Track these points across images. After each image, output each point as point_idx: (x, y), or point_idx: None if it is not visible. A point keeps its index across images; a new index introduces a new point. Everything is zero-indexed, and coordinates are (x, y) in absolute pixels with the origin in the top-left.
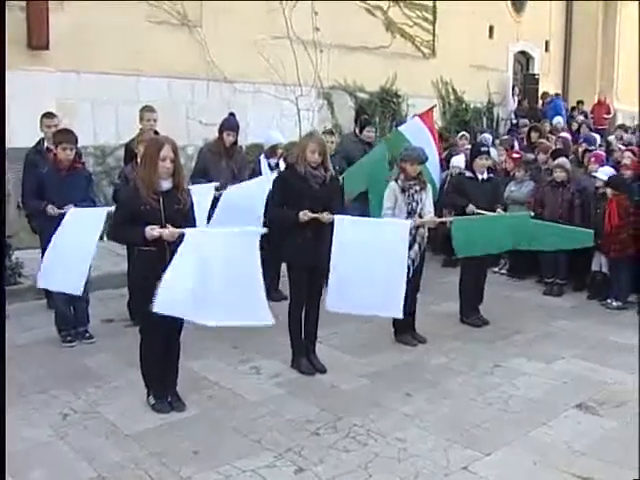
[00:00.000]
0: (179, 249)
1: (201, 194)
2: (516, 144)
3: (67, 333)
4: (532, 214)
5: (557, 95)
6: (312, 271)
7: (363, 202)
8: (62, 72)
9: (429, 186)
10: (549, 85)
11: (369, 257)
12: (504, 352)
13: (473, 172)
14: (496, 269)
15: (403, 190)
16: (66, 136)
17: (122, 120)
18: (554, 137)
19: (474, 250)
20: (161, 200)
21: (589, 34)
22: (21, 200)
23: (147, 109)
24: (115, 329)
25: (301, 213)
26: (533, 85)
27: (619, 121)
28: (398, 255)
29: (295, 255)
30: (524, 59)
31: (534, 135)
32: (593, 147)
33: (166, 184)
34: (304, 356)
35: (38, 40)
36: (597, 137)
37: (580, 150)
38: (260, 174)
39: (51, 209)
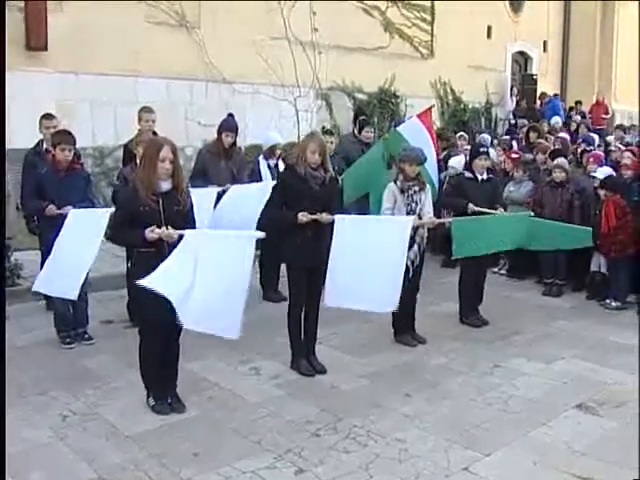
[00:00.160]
0: (177, 248)
1: (202, 195)
2: (515, 144)
3: (66, 334)
4: (532, 214)
5: (555, 95)
6: (311, 271)
7: (362, 202)
8: (60, 73)
9: (428, 187)
10: (547, 85)
11: (368, 253)
12: (504, 352)
13: (472, 173)
14: (495, 269)
15: (402, 191)
16: (64, 137)
17: (120, 121)
18: (552, 137)
19: (473, 250)
20: (160, 201)
21: (587, 34)
22: (20, 201)
23: (146, 110)
24: (114, 330)
25: (300, 215)
26: (531, 85)
27: (617, 121)
28: (398, 251)
29: (294, 255)
30: (522, 59)
31: (533, 135)
32: (592, 147)
33: (165, 185)
34: (304, 357)
35: (36, 41)
36: (595, 137)
37: (579, 150)
38: (259, 174)
39: (50, 210)
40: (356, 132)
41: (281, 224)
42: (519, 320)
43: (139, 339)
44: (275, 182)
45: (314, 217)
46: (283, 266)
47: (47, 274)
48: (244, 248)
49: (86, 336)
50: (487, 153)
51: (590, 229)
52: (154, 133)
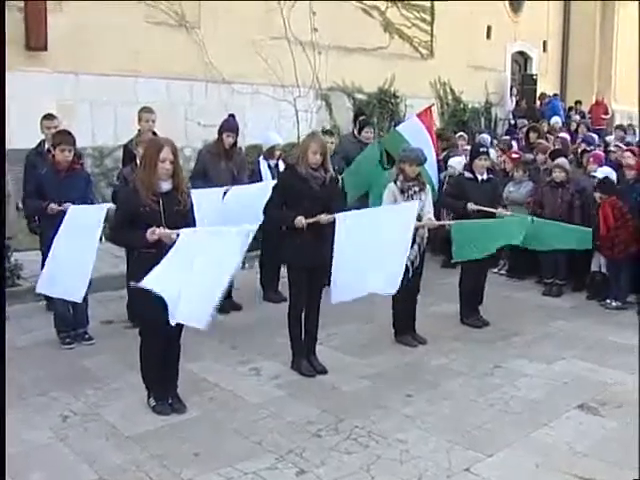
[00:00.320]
0: (173, 247)
1: (202, 195)
2: (515, 144)
3: (66, 335)
4: (534, 219)
5: (555, 95)
6: (312, 272)
7: (363, 202)
8: (60, 73)
9: (428, 187)
10: (547, 85)
11: (372, 242)
12: (504, 353)
13: (473, 173)
14: (495, 269)
15: (402, 191)
16: (65, 137)
17: (120, 121)
18: (552, 137)
19: (473, 254)
20: (161, 201)
21: (587, 34)
22: (21, 201)
23: (146, 110)
24: (115, 331)
25: (296, 220)
26: (531, 85)
27: (617, 121)
28: (402, 235)
29: (294, 256)
30: (522, 59)
31: (533, 135)
32: (592, 147)
33: (166, 185)
34: (304, 357)
35: (36, 41)
36: (595, 137)
37: (579, 150)
38: (259, 175)
39: (51, 208)
40: (356, 132)
41: (280, 224)
42: (519, 320)
43: (139, 339)
44: (275, 182)
45: (312, 220)
46: (283, 267)
47: (49, 274)
48: (238, 243)
49: (86, 336)
50: (487, 153)
51: (590, 230)
52: (154, 133)
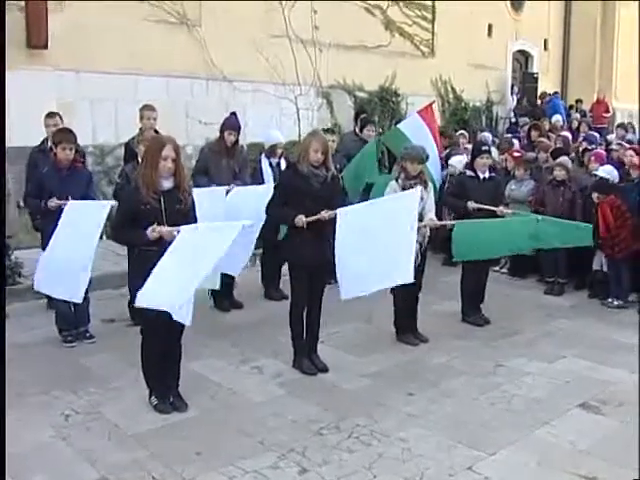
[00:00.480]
0: (170, 246)
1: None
2: (516, 143)
3: (68, 333)
4: (540, 218)
5: (555, 93)
6: (313, 270)
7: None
8: (61, 71)
9: (430, 185)
10: (548, 84)
11: (376, 233)
12: (506, 351)
13: (474, 171)
14: (497, 268)
15: (404, 189)
16: (65, 136)
17: (121, 119)
18: (554, 136)
19: (473, 254)
20: (162, 200)
21: (588, 32)
22: (22, 199)
23: (147, 108)
24: (116, 329)
25: (297, 219)
26: (532, 84)
27: (618, 120)
28: (406, 224)
29: (296, 254)
30: (523, 58)
31: (534, 134)
32: (594, 146)
33: (167, 184)
34: (306, 356)
35: (37, 39)
36: (597, 135)
37: (580, 149)
38: (261, 173)
39: (51, 202)
40: (357, 130)
41: (281, 222)
42: (521, 319)
43: (141, 338)
44: (277, 181)
45: (313, 218)
46: (285, 265)
47: (46, 271)
48: (226, 235)
49: (87, 335)
50: (489, 152)
51: (590, 226)
52: (156, 131)
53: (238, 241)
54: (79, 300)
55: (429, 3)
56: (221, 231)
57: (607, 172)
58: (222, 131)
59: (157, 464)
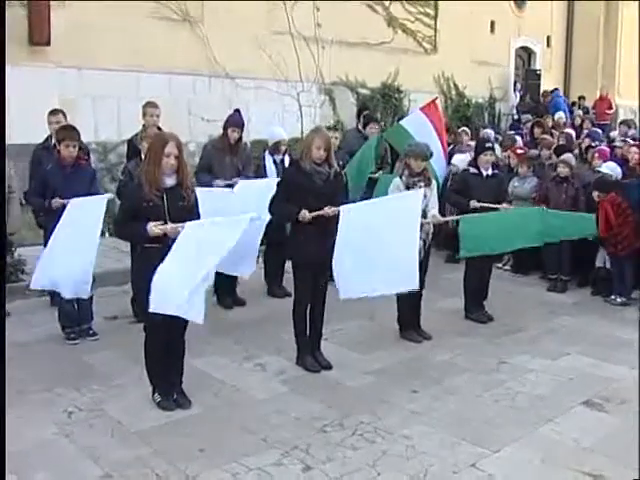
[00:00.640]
0: (174, 244)
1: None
2: (519, 140)
3: (71, 330)
4: (544, 208)
5: (556, 90)
6: (317, 267)
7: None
8: (63, 68)
9: (434, 182)
10: (551, 80)
11: (379, 234)
12: (509, 348)
13: (477, 168)
14: (500, 265)
15: (407, 186)
16: (68, 133)
17: (123, 116)
18: (557, 133)
19: (481, 250)
20: (165, 197)
21: (591, 29)
22: (23, 196)
23: (150, 105)
24: (119, 326)
25: (301, 213)
26: (535, 80)
27: (621, 116)
28: (409, 226)
29: (299, 251)
30: (526, 54)
31: (537, 131)
32: (597, 143)
33: (170, 181)
34: (309, 353)
35: (40, 36)
36: (599, 132)
37: (584, 146)
38: (265, 170)
39: (55, 202)
40: (360, 127)
41: (285, 219)
42: (524, 316)
43: (144, 335)
44: (280, 177)
45: (317, 213)
46: (287, 262)
47: (47, 271)
48: (233, 229)
49: (91, 332)
50: (492, 148)
51: (592, 216)
52: (159, 128)
53: (243, 241)
54: (86, 295)
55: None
56: (227, 226)
57: (610, 169)
58: (225, 128)
59: (160, 461)
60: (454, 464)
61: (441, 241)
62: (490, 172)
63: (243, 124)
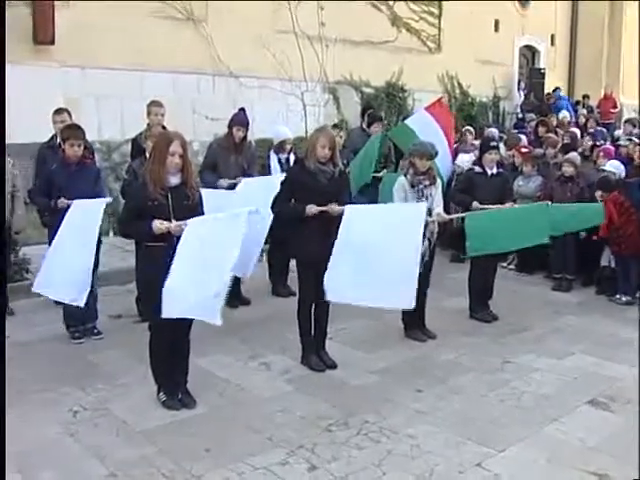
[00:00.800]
0: (178, 245)
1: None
2: (524, 138)
3: (76, 329)
4: (549, 203)
5: (557, 89)
6: (321, 266)
7: (367, 195)
8: (67, 67)
9: (439, 181)
10: (555, 79)
11: (379, 244)
12: (514, 348)
13: (482, 167)
14: (504, 264)
15: (412, 185)
16: (73, 132)
17: (127, 115)
18: (562, 132)
19: (489, 248)
20: (169, 196)
21: (595, 27)
22: (27, 194)
23: (155, 104)
24: (124, 325)
25: (308, 207)
26: (539, 79)
27: (625, 115)
28: (411, 241)
29: (303, 250)
30: (530, 53)
31: (542, 130)
32: (602, 142)
33: (174, 180)
34: (314, 352)
35: (44, 35)
36: (604, 131)
37: (588, 145)
38: (269, 169)
39: (61, 202)
40: (364, 126)
41: (289, 217)
42: (529, 315)
43: (149, 334)
44: (284, 176)
45: (323, 208)
46: (292, 261)
47: (48, 275)
48: (236, 226)
49: (95, 331)
50: (497, 147)
51: (600, 204)
52: (163, 127)
53: (246, 243)
54: (82, 304)
55: None
56: (229, 221)
57: (614, 167)
58: (230, 127)
59: (166, 460)
60: (459, 464)
61: (446, 240)
62: (495, 171)
63: (248, 123)
